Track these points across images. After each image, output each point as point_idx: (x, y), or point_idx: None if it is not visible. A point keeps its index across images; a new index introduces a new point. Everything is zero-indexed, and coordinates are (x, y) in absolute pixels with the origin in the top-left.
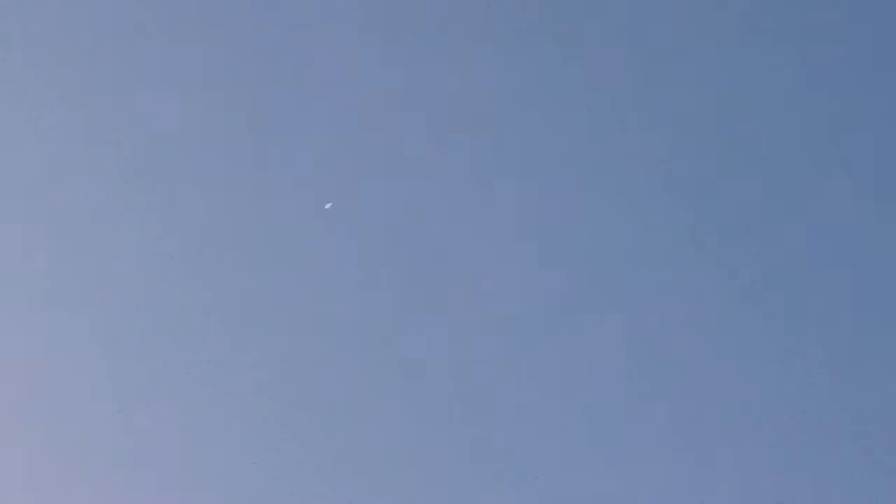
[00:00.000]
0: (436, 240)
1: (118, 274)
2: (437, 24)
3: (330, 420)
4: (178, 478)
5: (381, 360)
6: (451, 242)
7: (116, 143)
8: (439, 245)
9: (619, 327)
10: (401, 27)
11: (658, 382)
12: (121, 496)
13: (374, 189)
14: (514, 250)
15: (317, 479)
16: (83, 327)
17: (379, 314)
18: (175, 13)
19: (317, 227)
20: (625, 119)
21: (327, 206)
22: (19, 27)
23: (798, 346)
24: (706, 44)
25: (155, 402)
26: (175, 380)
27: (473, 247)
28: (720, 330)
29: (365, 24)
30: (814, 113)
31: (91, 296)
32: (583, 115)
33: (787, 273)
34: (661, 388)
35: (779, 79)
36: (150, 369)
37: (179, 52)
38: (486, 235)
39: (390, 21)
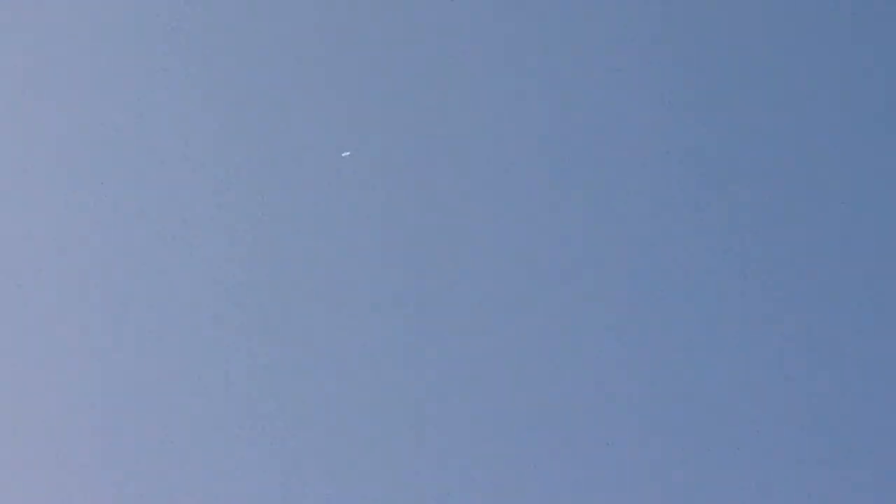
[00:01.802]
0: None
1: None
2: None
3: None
4: (177, 478)
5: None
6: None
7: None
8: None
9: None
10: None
11: (659, 381)
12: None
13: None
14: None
15: (319, 478)
16: (81, 322)
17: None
18: None
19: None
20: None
21: (345, 154)
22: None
23: (800, 344)
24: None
25: (156, 394)
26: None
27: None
28: (725, 329)
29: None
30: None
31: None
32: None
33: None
34: (662, 386)
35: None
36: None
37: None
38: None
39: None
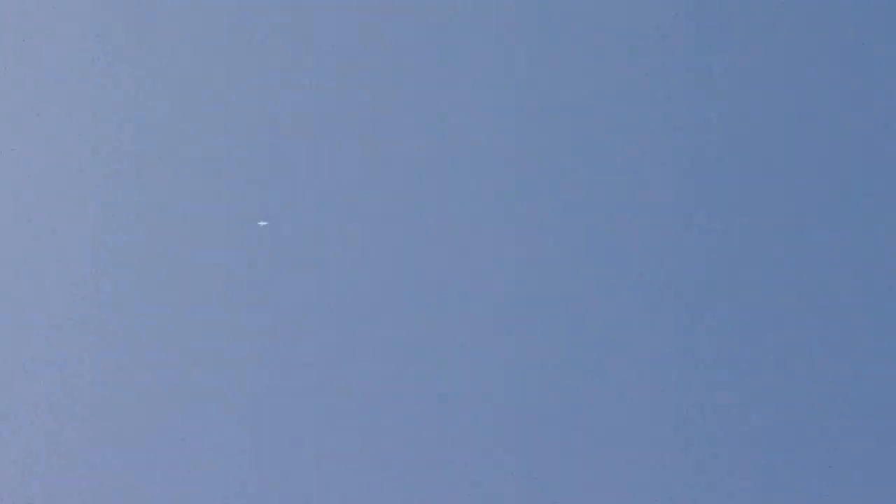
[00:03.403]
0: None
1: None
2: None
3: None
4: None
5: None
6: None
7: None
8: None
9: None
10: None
11: (658, 379)
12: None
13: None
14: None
15: (318, 478)
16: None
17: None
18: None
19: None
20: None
21: (262, 223)
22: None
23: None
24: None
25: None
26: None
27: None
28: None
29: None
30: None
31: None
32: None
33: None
34: (661, 384)
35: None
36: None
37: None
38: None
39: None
